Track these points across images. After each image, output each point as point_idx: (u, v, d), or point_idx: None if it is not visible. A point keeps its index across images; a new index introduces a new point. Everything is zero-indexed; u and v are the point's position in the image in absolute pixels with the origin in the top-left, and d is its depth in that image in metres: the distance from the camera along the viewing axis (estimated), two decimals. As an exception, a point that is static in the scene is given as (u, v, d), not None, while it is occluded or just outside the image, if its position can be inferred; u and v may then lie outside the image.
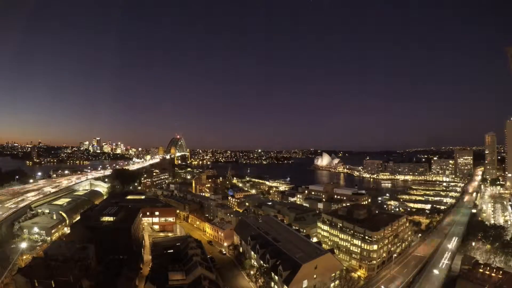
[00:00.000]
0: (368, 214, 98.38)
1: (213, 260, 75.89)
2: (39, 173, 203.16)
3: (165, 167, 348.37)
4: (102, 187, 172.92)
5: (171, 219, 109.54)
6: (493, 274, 65.38)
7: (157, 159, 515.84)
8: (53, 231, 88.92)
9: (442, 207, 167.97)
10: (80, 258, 59.06)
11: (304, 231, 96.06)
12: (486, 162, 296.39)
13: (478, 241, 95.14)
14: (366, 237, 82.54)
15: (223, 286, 61.43)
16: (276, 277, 63.20)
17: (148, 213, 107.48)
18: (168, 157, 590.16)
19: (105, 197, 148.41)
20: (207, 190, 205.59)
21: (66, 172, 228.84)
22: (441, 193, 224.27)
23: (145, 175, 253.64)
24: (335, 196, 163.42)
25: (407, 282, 72.43)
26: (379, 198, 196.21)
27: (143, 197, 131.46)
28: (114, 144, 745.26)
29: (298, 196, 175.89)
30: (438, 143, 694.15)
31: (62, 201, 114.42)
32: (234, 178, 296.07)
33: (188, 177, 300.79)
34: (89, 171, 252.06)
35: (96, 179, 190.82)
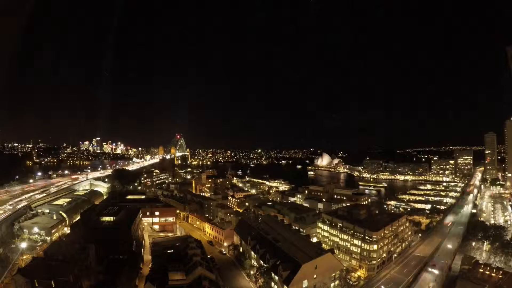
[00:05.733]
0: (368, 214, 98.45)
1: (213, 260, 75.91)
2: (39, 173, 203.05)
3: (165, 167, 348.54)
4: (102, 187, 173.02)
5: (171, 219, 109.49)
6: (493, 274, 65.36)
7: (157, 159, 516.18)
8: (53, 231, 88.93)
9: (442, 207, 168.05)
10: (80, 258, 59.05)
11: (304, 231, 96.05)
12: (486, 162, 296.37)
13: (478, 241, 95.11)
14: (366, 237, 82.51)
15: (223, 286, 61.43)
16: (276, 277, 63.21)
17: (148, 213, 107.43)
18: (168, 157, 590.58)
19: (105, 197, 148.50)
20: (207, 190, 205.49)
21: (66, 172, 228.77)
22: (441, 193, 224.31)
23: (145, 175, 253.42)
24: (335, 196, 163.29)
25: (407, 282, 72.52)
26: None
27: (143, 197, 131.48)
28: (114, 144, 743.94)
29: (298, 196, 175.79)
30: (438, 143, 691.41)
31: (62, 201, 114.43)
32: (234, 178, 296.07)
33: (188, 177, 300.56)
34: (89, 171, 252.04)
35: (96, 179, 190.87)
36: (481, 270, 66.94)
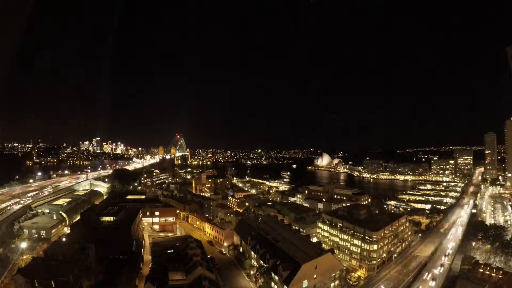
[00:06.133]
0: (368, 214, 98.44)
1: (213, 260, 75.92)
2: (39, 173, 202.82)
3: (165, 167, 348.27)
4: (102, 187, 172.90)
5: (171, 219, 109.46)
6: (493, 274, 65.38)
7: (157, 159, 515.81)
8: (53, 231, 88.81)
9: (442, 207, 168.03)
10: (80, 258, 59.00)
11: (304, 231, 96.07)
12: (486, 162, 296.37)
13: (478, 241, 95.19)
14: (366, 237, 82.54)
15: (223, 286, 61.43)
16: (276, 277, 63.23)
17: (148, 213, 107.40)
18: (168, 157, 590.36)
19: (105, 197, 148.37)
20: (207, 190, 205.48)
21: (66, 172, 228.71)
22: (441, 193, 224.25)
23: (145, 175, 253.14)
24: (335, 196, 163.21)
25: (407, 282, 72.54)
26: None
27: (143, 197, 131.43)
28: (114, 144, 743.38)
29: (298, 196, 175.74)
30: (438, 143, 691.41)
31: (62, 201, 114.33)
32: (234, 178, 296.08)
33: (188, 177, 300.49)
34: (89, 171, 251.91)
35: (96, 179, 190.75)
36: (481, 270, 66.96)
